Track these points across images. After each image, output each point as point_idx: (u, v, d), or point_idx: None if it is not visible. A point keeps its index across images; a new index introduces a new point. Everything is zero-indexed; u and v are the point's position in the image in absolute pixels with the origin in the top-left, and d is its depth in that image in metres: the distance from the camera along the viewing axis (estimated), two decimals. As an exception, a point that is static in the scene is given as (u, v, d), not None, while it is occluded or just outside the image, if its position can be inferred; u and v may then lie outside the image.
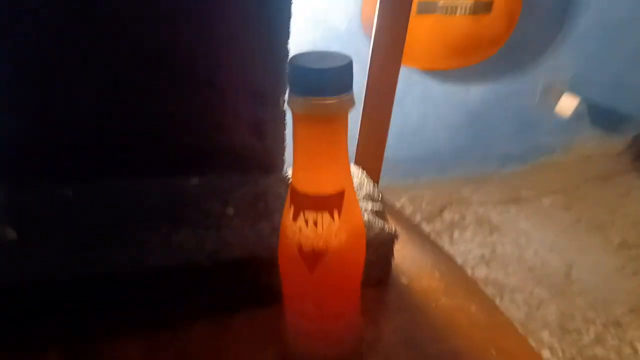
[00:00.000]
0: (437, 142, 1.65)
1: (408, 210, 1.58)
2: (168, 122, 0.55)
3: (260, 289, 0.45)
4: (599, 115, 1.76)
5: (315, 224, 0.28)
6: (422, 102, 1.55)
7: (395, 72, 0.62)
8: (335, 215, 0.28)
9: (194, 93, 0.54)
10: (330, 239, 0.29)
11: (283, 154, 0.60)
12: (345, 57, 0.26)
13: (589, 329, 1.15)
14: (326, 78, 0.25)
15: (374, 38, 0.59)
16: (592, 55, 1.65)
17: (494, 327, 0.48)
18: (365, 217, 0.50)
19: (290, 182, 0.29)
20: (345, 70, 0.25)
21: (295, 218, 0.29)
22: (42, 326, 0.42)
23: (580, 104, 1.62)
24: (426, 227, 1.51)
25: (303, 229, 0.29)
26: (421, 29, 1.35)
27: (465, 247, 1.42)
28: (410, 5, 0.59)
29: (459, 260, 1.36)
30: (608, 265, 1.35)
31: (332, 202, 0.28)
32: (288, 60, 0.26)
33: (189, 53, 0.51)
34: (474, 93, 1.58)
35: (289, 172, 0.60)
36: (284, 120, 0.58)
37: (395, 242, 0.51)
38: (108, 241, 0.44)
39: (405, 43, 0.60)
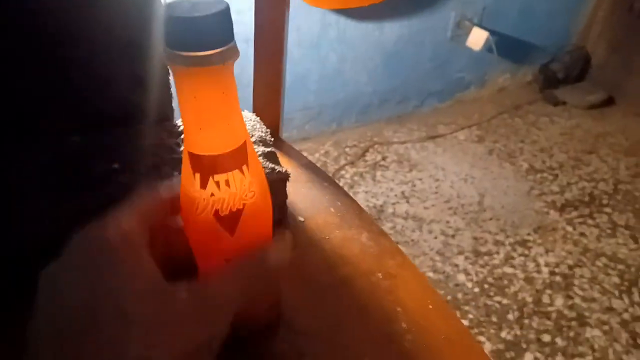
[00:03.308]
0: (357, 85, 1.66)
1: (332, 155, 1.61)
2: (44, 80, 0.52)
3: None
4: (508, 48, 1.83)
5: (228, 183, 0.26)
6: (339, 44, 1.54)
7: (282, 10, 0.61)
8: (244, 168, 0.27)
9: (69, 49, 0.50)
10: (245, 195, 0.27)
11: (170, 104, 0.59)
12: (221, 2, 0.23)
13: (499, 250, 1.24)
14: (203, 28, 0.22)
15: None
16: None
17: (381, 253, 0.51)
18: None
19: (185, 150, 0.26)
20: (222, 17, 0.22)
21: (203, 185, 0.26)
22: None
23: (489, 37, 1.67)
24: (350, 170, 1.54)
25: (216, 194, 0.26)
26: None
27: (387, 186, 1.47)
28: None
29: (382, 199, 1.41)
30: (517, 191, 1.45)
31: (239, 157, 0.26)
32: (161, 9, 0.23)
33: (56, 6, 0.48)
34: (389, 31, 1.59)
35: (178, 121, 0.58)
36: (168, 70, 0.56)
37: (288, 182, 0.52)
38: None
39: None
